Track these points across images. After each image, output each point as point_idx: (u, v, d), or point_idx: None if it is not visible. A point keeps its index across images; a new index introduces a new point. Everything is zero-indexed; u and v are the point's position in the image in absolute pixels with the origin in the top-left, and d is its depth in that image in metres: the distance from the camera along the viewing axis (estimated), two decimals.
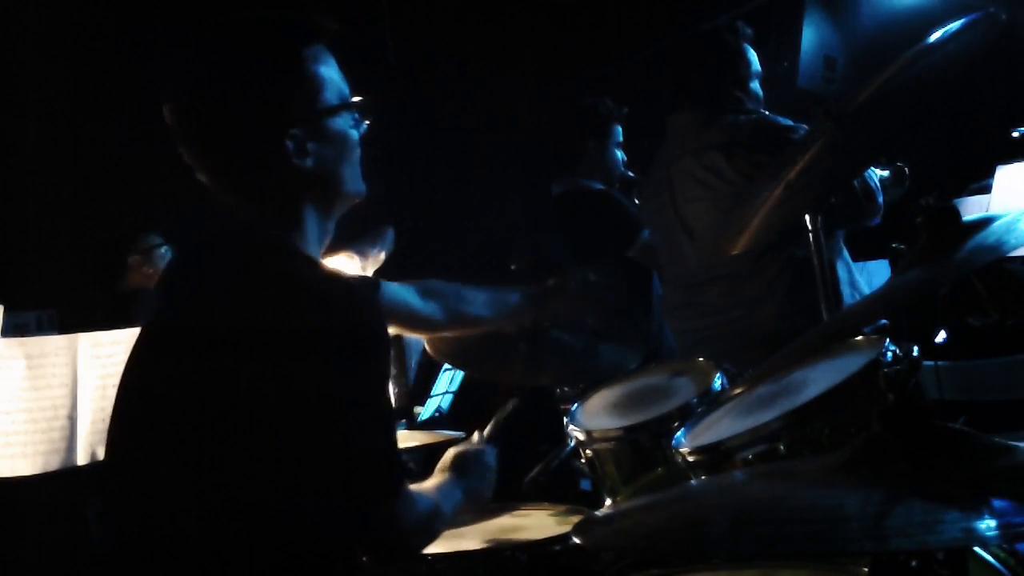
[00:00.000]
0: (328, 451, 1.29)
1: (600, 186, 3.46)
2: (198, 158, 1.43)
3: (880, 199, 2.52)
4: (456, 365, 3.13)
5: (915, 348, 1.44)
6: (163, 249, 3.44)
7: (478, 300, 2.00)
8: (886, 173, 2.64)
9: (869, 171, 2.44)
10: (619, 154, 3.53)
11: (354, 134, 1.50)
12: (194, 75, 1.42)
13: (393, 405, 1.41)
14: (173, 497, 1.31)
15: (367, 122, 1.52)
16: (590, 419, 1.94)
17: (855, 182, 2.40)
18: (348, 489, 1.32)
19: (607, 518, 1.14)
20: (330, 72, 1.46)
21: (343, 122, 1.47)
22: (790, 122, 2.67)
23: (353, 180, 1.51)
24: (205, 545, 1.29)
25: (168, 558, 1.30)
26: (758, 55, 2.90)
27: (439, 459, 1.69)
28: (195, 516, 1.30)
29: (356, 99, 1.50)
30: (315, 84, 1.43)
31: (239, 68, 1.40)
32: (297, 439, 1.28)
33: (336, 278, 1.39)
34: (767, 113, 2.80)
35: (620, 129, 3.53)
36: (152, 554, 1.31)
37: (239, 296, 1.34)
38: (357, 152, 1.52)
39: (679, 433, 1.59)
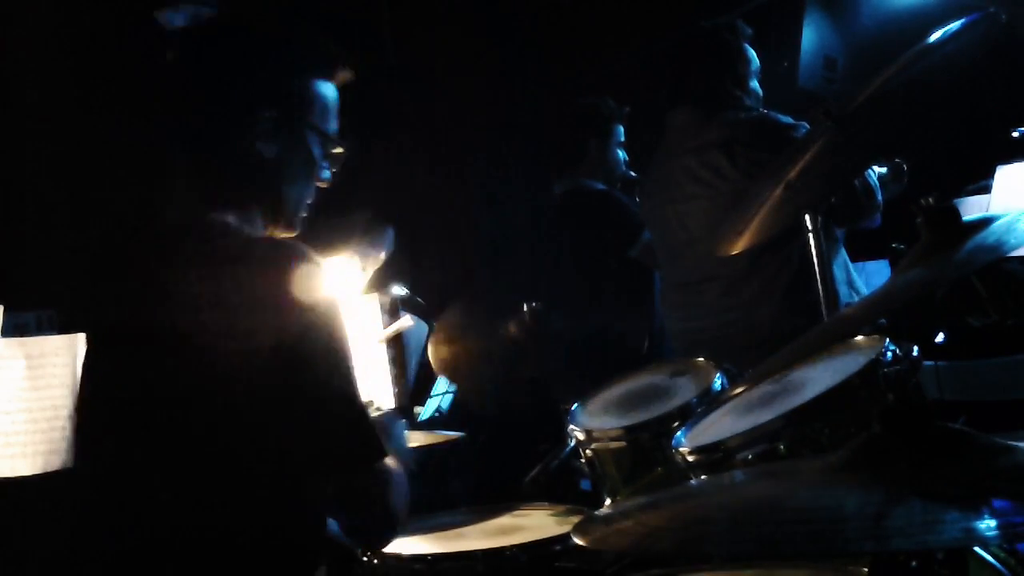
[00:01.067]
0: (302, 425, 1.29)
1: (602, 186, 3.45)
2: (172, 105, 1.44)
3: (879, 197, 2.52)
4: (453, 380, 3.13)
5: (915, 348, 1.44)
6: None
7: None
8: (884, 170, 2.64)
9: (868, 169, 2.45)
10: (621, 154, 3.52)
11: (322, 167, 1.51)
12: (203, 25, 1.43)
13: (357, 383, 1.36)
14: (152, 492, 1.32)
15: (333, 170, 1.53)
16: (590, 419, 1.94)
17: (855, 180, 2.40)
18: (325, 462, 1.32)
19: (607, 518, 1.14)
20: (329, 100, 1.49)
21: (317, 147, 1.48)
22: (791, 120, 2.67)
23: (298, 203, 1.50)
24: (190, 535, 1.30)
25: (153, 549, 1.31)
26: (758, 55, 2.91)
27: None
28: (176, 507, 1.30)
29: (339, 141, 1.51)
30: (311, 92, 1.46)
31: (246, 36, 1.45)
32: (268, 416, 1.28)
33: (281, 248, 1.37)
34: (767, 111, 2.80)
35: (622, 129, 3.52)
36: (137, 548, 1.31)
37: (191, 283, 1.32)
38: (313, 186, 1.51)
39: (679, 433, 1.59)
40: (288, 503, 1.34)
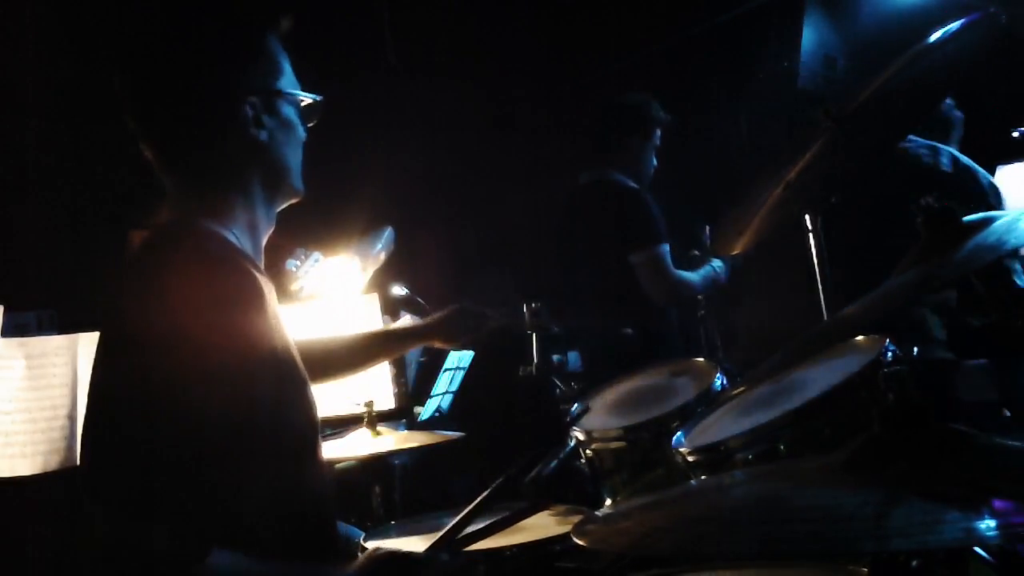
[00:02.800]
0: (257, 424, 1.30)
1: (634, 184, 3.45)
2: (151, 122, 1.43)
3: None
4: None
5: (915, 348, 1.44)
6: None
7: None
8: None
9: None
10: (654, 159, 3.53)
11: (301, 130, 1.52)
12: (160, 35, 1.43)
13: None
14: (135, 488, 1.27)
15: (311, 124, 1.55)
16: (590, 419, 1.94)
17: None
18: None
19: (607, 518, 1.14)
20: (287, 64, 1.50)
21: (293, 113, 1.50)
22: None
23: (297, 174, 1.53)
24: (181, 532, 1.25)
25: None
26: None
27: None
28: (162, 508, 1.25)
29: (308, 95, 1.52)
30: (275, 65, 1.47)
31: (205, 31, 1.43)
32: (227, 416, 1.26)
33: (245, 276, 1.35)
34: None
35: (660, 134, 3.53)
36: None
37: (163, 287, 1.29)
38: (301, 149, 1.54)
39: (679, 433, 1.59)
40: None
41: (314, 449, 1.47)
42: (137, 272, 1.33)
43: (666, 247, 3.26)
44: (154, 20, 1.45)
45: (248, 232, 1.47)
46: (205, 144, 1.42)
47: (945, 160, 2.71)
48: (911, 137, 2.71)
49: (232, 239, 1.42)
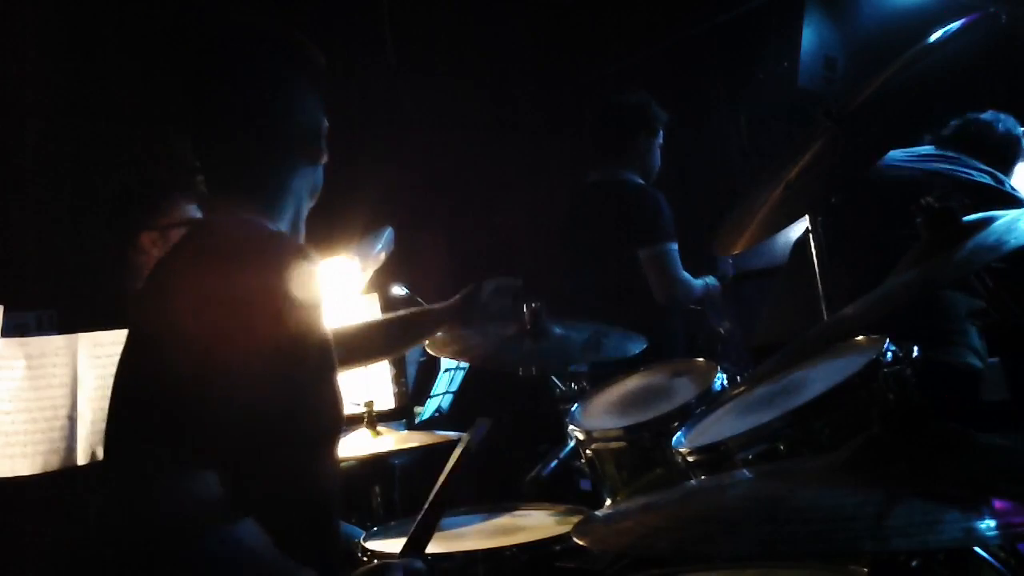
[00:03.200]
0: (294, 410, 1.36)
1: (641, 181, 3.49)
2: (225, 144, 1.53)
3: None
4: (460, 360, 3.17)
5: (915, 348, 1.44)
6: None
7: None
8: None
9: None
10: (659, 157, 3.57)
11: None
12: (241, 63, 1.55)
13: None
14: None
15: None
16: (590, 419, 1.94)
17: None
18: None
19: (607, 518, 1.14)
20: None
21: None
22: None
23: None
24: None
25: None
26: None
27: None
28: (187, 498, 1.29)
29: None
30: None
31: (286, 60, 1.58)
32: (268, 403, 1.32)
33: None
34: None
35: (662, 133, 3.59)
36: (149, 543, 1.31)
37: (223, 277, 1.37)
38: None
39: (679, 433, 1.59)
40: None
41: (333, 441, 1.52)
42: (204, 262, 1.38)
43: (675, 245, 3.29)
44: (222, 43, 1.56)
45: (293, 232, 1.59)
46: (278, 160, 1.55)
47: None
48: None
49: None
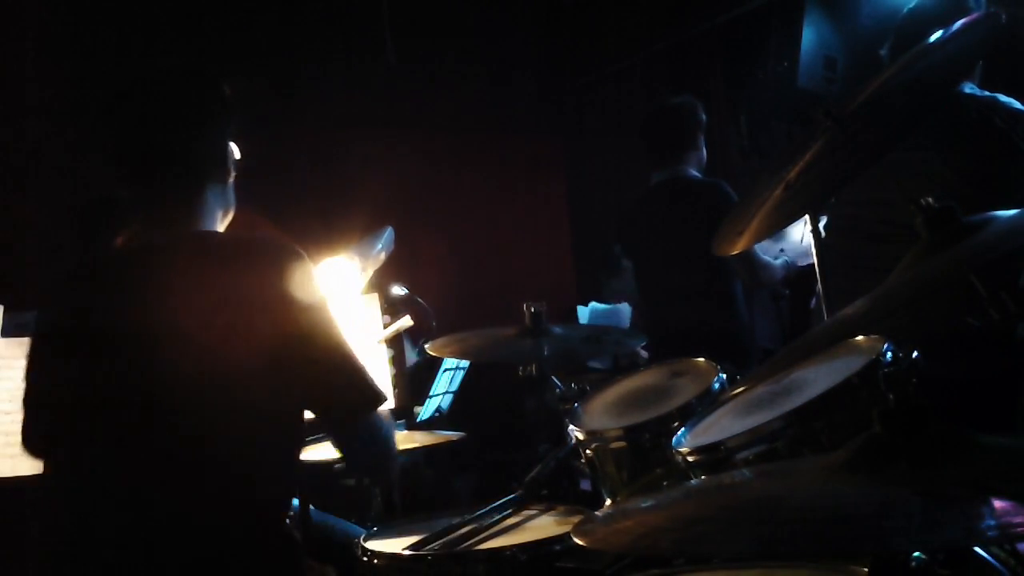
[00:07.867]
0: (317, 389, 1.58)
1: (700, 175, 3.61)
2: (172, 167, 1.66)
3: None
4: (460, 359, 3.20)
5: (914, 352, 1.43)
6: None
7: None
8: None
9: None
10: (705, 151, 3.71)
11: None
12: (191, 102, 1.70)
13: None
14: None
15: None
16: (590, 419, 1.94)
17: None
18: (339, 413, 1.62)
19: (607, 518, 1.14)
20: None
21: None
22: None
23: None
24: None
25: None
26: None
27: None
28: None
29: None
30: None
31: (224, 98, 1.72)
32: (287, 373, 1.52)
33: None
34: None
35: None
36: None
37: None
38: None
39: (679, 433, 1.59)
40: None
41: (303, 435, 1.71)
42: (221, 271, 1.55)
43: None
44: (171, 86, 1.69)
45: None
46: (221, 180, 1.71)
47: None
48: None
49: None
